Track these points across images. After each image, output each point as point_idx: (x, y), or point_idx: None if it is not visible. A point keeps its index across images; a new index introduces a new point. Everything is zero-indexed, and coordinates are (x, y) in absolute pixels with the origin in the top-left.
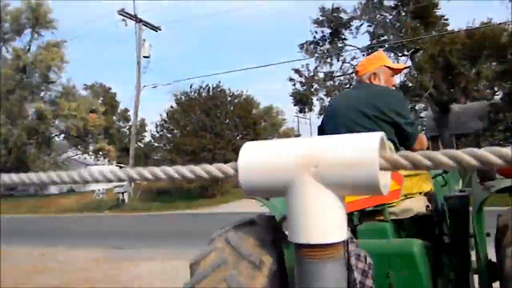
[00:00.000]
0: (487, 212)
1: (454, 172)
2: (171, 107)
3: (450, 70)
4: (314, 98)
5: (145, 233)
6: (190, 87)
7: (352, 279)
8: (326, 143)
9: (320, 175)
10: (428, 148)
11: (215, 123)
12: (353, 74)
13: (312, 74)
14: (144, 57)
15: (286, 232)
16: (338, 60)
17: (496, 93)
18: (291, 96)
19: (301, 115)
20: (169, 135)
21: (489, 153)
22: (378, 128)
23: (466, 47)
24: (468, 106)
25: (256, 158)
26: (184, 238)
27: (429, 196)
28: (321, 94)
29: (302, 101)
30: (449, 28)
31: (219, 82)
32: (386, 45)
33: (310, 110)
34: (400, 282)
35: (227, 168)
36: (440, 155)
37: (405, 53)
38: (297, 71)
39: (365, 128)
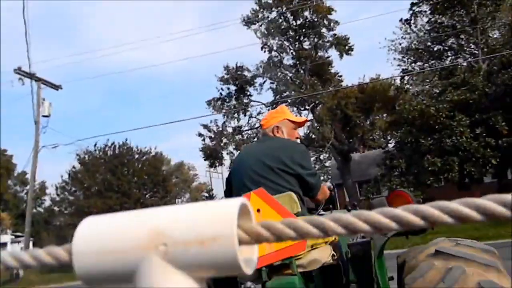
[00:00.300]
0: (391, 255)
1: None
2: (73, 167)
3: (348, 121)
4: (224, 152)
5: None
6: (95, 145)
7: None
8: (178, 215)
9: (170, 255)
10: (331, 197)
11: (121, 182)
12: (260, 128)
13: (220, 129)
14: (44, 116)
15: None
16: (245, 115)
17: (390, 142)
18: (201, 151)
19: (212, 169)
20: (71, 198)
21: (357, 219)
22: (282, 180)
23: (359, 101)
24: (366, 154)
25: (94, 238)
26: None
27: (334, 245)
28: (231, 148)
29: (212, 155)
30: (344, 83)
31: (126, 139)
32: (289, 100)
33: (221, 164)
34: None
35: (60, 252)
36: (303, 223)
37: (306, 107)
38: (205, 126)
39: (270, 180)
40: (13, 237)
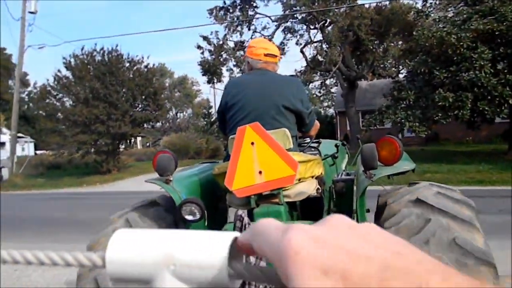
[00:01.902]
0: (369, 191)
1: (342, 151)
2: (59, 71)
3: (359, 45)
4: (224, 68)
5: (25, 217)
6: (82, 49)
7: (249, 262)
8: (186, 241)
9: (178, 274)
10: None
11: (109, 91)
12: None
13: (221, 42)
14: (30, 12)
15: (186, 217)
16: (249, 29)
17: (401, 72)
18: (199, 65)
19: (210, 85)
20: (57, 104)
21: None
22: (282, 117)
23: (374, 23)
24: (374, 83)
25: (123, 251)
26: (71, 225)
27: (320, 179)
28: (231, 64)
29: (210, 70)
30: (359, 2)
31: (116, 45)
32: (298, 16)
33: (219, 80)
34: None
35: (96, 258)
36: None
37: (316, 25)
38: (205, 38)
39: (275, 119)
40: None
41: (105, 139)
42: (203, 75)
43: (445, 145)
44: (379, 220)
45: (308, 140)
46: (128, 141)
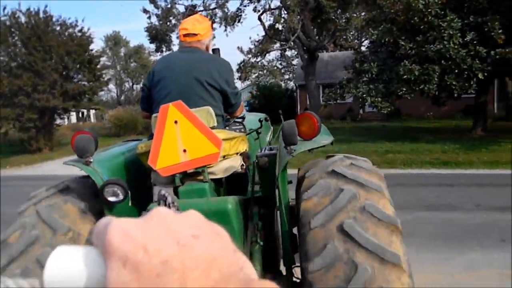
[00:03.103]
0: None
1: (266, 126)
2: None
3: (320, 13)
4: (173, 35)
5: None
6: (4, 9)
7: None
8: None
9: None
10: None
11: (35, 58)
12: (216, 10)
13: (169, 6)
14: None
15: (109, 198)
16: None
17: (363, 44)
18: (146, 31)
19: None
20: None
21: None
22: (207, 94)
23: None
24: (336, 54)
25: (62, 272)
26: None
27: (245, 155)
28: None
29: (158, 38)
30: None
31: (46, 6)
32: None
33: (169, 49)
34: None
35: (33, 282)
36: None
37: None
38: (152, 1)
39: (195, 93)
40: None
41: (30, 113)
42: (150, 42)
43: (407, 121)
44: (299, 191)
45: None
46: (60, 117)
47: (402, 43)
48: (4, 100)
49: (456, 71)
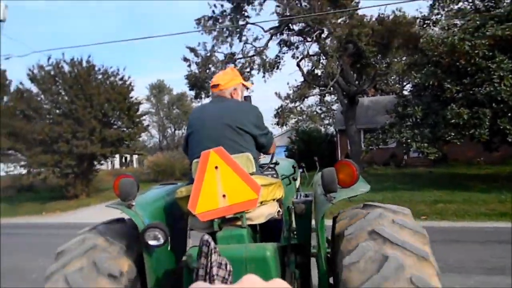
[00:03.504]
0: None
1: (297, 172)
2: (21, 83)
3: (359, 58)
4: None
5: None
6: (48, 59)
7: None
8: None
9: None
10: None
11: (76, 106)
12: (255, 57)
13: (208, 54)
14: None
15: (150, 242)
16: (240, 40)
17: (405, 88)
18: (186, 78)
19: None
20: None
21: None
22: (240, 138)
23: (376, 34)
24: (376, 99)
25: None
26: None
27: (280, 202)
28: None
29: (197, 85)
30: (360, 12)
31: (89, 56)
32: (294, 27)
33: (207, 96)
34: None
35: None
36: None
37: (313, 37)
38: (192, 50)
39: (228, 138)
40: None
41: (68, 160)
42: (190, 89)
43: (455, 167)
44: (337, 248)
45: (266, 160)
46: (99, 162)
47: (448, 86)
48: (45, 147)
49: (509, 114)
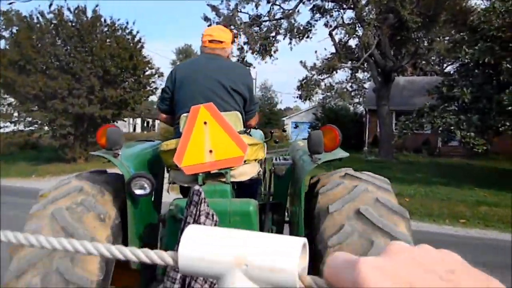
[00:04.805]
0: None
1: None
2: (17, 30)
3: (400, 29)
4: (234, 46)
5: None
6: (50, 6)
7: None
8: (258, 243)
9: (248, 273)
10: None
11: (74, 59)
12: (282, 20)
13: (231, 14)
14: None
15: (136, 191)
16: (268, 1)
17: (445, 70)
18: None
19: None
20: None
21: None
22: (231, 99)
23: (421, 5)
24: (414, 80)
25: (196, 249)
26: None
27: (261, 163)
28: (242, 41)
29: None
30: None
31: (97, 5)
32: None
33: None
34: None
35: (168, 257)
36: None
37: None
38: (214, 8)
39: (220, 97)
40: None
41: (63, 119)
42: None
43: (497, 161)
44: (320, 222)
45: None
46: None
47: (508, 65)
48: (39, 103)
49: None
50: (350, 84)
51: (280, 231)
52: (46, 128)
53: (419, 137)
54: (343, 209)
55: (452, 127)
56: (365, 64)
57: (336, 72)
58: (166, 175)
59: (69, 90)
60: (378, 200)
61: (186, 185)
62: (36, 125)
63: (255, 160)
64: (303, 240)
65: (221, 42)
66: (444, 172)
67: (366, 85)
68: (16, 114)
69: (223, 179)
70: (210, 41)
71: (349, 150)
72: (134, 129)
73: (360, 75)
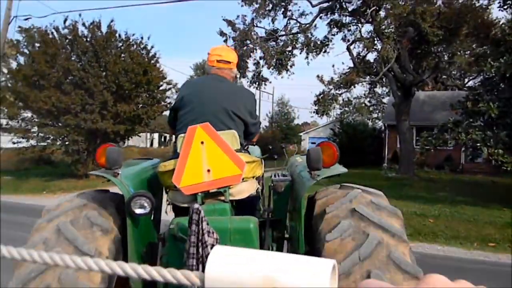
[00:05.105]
0: None
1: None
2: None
3: (419, 43)
4: (250, 61)
5: None
6: (64, 21)
7: (205, 254)
8: (286, 265)
9: None
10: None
11: (87, 75)
12: (298, 35)
13: (247, 29)
14: None
15: (136, 211)
16: (284, 16)
17: (466, 85)
18: None
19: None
20: (18, 85)
21: None
22: (233, 123)
23: (442, 18)
24: (434, 94)
25: (223, 270)
26: None
27: (259, 179)
28: (257, 56)
29: None
30: None
31: (112, 21)
32: (348, 6)
33: (243, 76)
34: None
35: (194, 277)
36: None
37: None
38: (230, 23)
39: (223, 123)
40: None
41: (75, 135)
42: None
43: None
44: (317, 226)
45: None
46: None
47: None
48: (51, 118)
49: None
50: (368, 99)
51: (280, 248)
52: (58, 143)
53: (441, 153)
54: (339, 209)
55: (478, 144)
56: (384, 79)
57: (354, 87)
58: (165, 195)
59: (82, 105)
60: (372, 201)
61: (185, 205)
62: (48, 140)
63: (253, 177)
64: (332, 262)
65: (229, 62)
66: (469, 190)
67: (385, 100)
68: (34, 129)
69: (222, 198)
70: (219, 61)
71: (368, 166)
72: (151, 144)
73: (378, 89)
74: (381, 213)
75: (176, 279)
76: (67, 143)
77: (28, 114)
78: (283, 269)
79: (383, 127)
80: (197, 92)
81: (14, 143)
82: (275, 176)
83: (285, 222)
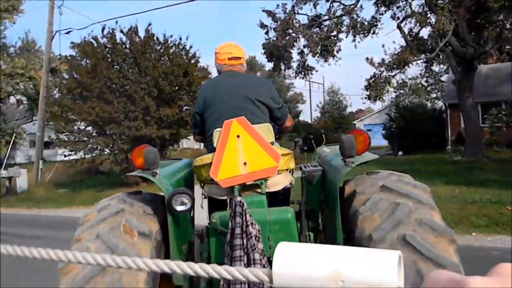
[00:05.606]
0: None
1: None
2: (66, 57)
3: (479, 11)
4: (294, 50)
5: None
6: (102, 30)
7: (250, 245)
8: (353, 258)
9: None
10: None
11: (128, 82)
12: (343, 17)
13: (288, 17)
14: None
15: (178, 208)
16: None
17: None
18: (263, 48)
19: (276, 73)
20: (58, 96)
21: None
22: (259, 110)
23: None
24: (499, 66)
25: (290, 266)
26: None
27: (292, 172)
28: (301, 44)
29: (273, 54)
30: None
31: (149, 25)
32: None
33: (288, 67)
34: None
35: (262, 274)
36: None
37: None
38: (270, 13)
39: (249, 112)
40: None
41: (121, 143)
42: (268, 60)
43: None
44: (349, 205)
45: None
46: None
47: None
48: (98, 128)
49: None
50: (425, 78)
51: (316, 237)
52: (106, 153)
53: (510, 131)
54: (369, 188)
55: None
56: (441, 55)
57: (408, 67)
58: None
59: (124, 113)
60: (401, 180)
61: (222, 197)
62: (96, 151)
63: (287, 169)
64: (398, 253)
65: (240, 58)
66: None
67: (444, 78)
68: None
69: (259, 190)
70: (230, 59)
71: (430, 150)
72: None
73: (435, 67)
74: (409, 187)
75: (245, 277)
76: (115, 152)
77: (74, 127)
78: (350, 263)
79: (443, 107)
80: (218, 91)
81: (65, 155)
82: (305, 167)
83: (319, 212)
